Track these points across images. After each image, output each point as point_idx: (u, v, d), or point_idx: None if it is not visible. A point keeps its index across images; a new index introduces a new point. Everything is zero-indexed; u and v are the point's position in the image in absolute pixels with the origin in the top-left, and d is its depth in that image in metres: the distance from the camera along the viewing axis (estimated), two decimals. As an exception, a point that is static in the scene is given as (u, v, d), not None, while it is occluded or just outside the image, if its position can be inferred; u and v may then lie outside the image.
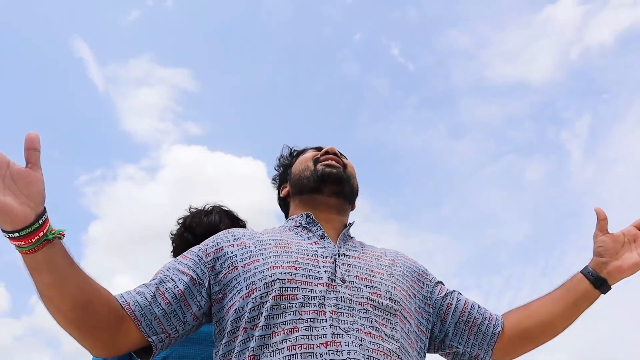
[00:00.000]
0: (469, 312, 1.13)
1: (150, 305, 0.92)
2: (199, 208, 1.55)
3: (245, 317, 0.91)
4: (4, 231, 0.77)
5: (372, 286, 1.00)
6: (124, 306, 0.90)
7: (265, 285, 0.93)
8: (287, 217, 1.26)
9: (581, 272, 1.10)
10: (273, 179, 1.34)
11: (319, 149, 1.25)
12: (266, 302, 0.91)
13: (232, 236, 1.06)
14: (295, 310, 0.90)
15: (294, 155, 1.31)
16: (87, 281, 0.86)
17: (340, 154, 1.23)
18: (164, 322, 0.93)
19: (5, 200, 0.74)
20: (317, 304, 0.91)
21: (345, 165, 1.19)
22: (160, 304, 0.93)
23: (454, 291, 1.16)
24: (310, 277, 0.96)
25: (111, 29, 12.37)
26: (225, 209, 1.55)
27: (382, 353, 0.90)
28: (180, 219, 1.54)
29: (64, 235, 0.81)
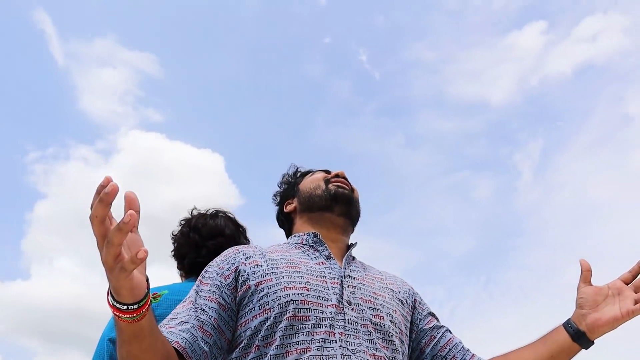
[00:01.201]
0: (450, 349, 1.12)
1: (197, 340, 0.93)
2: (202, 211, 1.58)
3: (259, 336, 0.94)
4: (122, 304, 0.73)
5: (375, 308, 1.03)
6: (175, 346, 0.91)
7: (279, 306, 0.95)
8: (288, 232, 1.29)
9: (562, 323, 1.05)
10: (274, 195, 1.36)
11: (327, 171, 1.28)
12: (280, 322, 0.94)
13: (243, 255, 1.07)
14: (308, 331, 0.94)
15: (299, 175, 1.34)
16: (160, 331, 0.87)
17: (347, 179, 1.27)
18: (210, 355, 0.95)
19: (136, 274, 0.72)
20: (327, 325, 0.95)
21: (353, 189, 1.23)
22: (204, 339, 0.94)
23: (442, 326, 1.16)
24: (321, 298, 0.99)
25: (78, 5, 11.91)
26: (230, 215, 1.60)
27: None
28: (183, 220, 1.58)
29: (160, 296, 0.80)
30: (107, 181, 0.65)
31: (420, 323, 1.15)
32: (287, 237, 1.28)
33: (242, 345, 0.96)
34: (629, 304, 0.98)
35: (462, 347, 1.14)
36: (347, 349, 0.94)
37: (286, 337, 0.93)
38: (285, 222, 1.30)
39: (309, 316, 0.95)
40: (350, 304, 1.01)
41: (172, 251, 1.58)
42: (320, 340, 0.93)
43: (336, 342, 0.94)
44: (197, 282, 1.05)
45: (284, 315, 0.94)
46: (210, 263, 1.09)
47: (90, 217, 0.67)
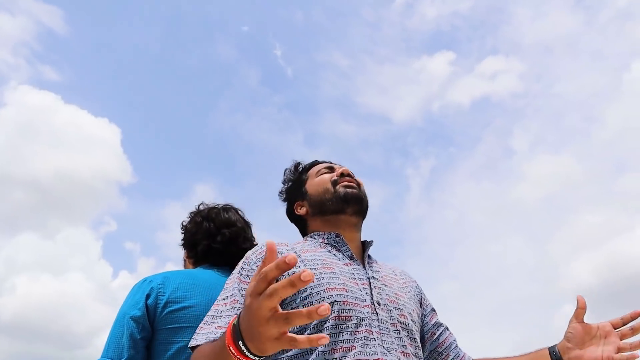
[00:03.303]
0: (446, 346, 1.22)
1: None
2: (210, 205, 1.64)
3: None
4: (255, 355, 0.69)
5: (399, 308, 1.10)
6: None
7: None
8: (302, 230, 1.31)
9: (549, 348, 1.14)
10: (280, 192, 1.38)
11: (330, 168, 1.30)
12: (325, 321, 0.98)
13: (280, 254, 1.07)
14: (351, 331, 0.99)
15: (302, 170, 1.35)
16: None
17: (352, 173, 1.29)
18: None
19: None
20: (366, 325, 1.01)
21: (359, 184, 1.26)
22: None
23: (442, 324, 1.26)
24: (357, 299, 1.04)
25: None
26: (239, 210, 1.65)
27: None
28: (193, 212, 1.62)
29: None
30: (294, 262, 0.60)
31: (425, 318, 1.24)
32: (303, 234, 1.31)
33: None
34: (611, 350, 1.05)
35: (456, 345, 1.24)
36: (384, 347, 1.00)
37: (332, 336, 0.97)
38: (298, 222, 1.32)
39: (350, 316, 1.00)
40: (379, 304, 1.06)
41: (181, 240, 1.63)
42: (362, 338, 0.99)
43: (375, 340, 1.00)
44: (236, 279, 1.06)
45: (329, 316, 0.97)
46: (247, 260, 1.10)
47: (260, 272, 0.63)
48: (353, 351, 0.97)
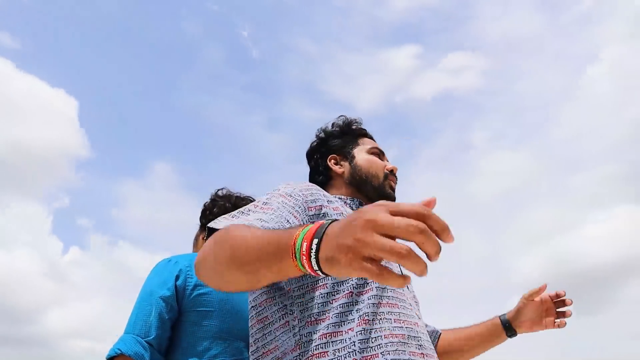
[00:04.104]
0: None
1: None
2: (235, 193, 1.67)
3: (352, 283, 0.94)
4: (322, 272, 0.59)
5: (411, 284, 1.13)
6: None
7: None
8: (316, 177, 1.27)
9: (499, 316, 1.35)
10: (323, 131, 1.32)
11: (382, 153, 1.29)
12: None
13: (324, 196, 1.05)
14: (393, 289, 0.98)
15: (354, 131, 1.31)
16: None
17: None
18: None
19: None
20: (401, 290, 1.01)
21: None
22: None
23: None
24: (389, 263, 0.99)
25: None
26: None
27: (429, 342, 1.02)
28: (218, 197, 1.65)
29: None
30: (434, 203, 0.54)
31: None
32: (312, 179, 1.28)
33: (327, 289, 0.93)
34: (550, 320, 1.31)
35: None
36: (416, 315, 1.02)
37: (380, 289, 0.96)
38: (323, 172, 1.27)
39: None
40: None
41: (201, 219, 1.66)
42: (402, 300, 0.99)
43: (411, 305, 1.02)
44: (282, 194, 0.98)
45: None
46: (285, 184, 1.03)
47: (410, 224, 0.51)
48: (396, 309, 0.96)
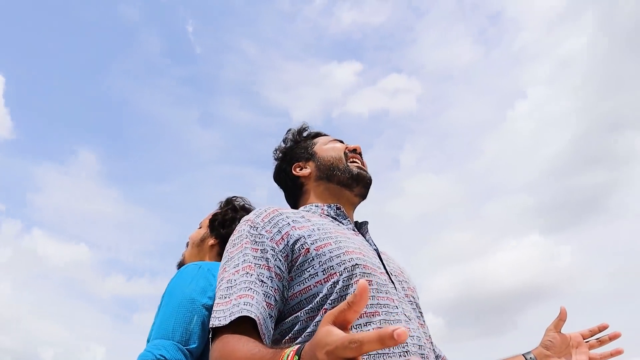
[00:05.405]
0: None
1: (267, 315, 0.89)
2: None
3: (329, 301, 0.90)
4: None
5: (406, 282, 1.07)
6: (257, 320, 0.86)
7: (346, 270, 0.92)
8: (293, 196, 1.24)
9: (523, 354, 1.17)
10: (276, 150, 1.31)
11: (341, 141, 1.26)
12: (349, 285, 0.90)
13: (287, 218, 1.01)
14: (373, 296, 0.92)
15: (307, 136, 1.30)
16: None
17: None
18: (271, 326, 0.91)
19: None
20: (386, 292, 0.95)
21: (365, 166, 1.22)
22: (270, 313, 0.90)
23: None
24: (374, 265, 0.98)
25: None
26: None
27: (429, 342, 1.00)
28: (235, 207, 1.65)
29: None
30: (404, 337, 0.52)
31: None
32: (288, 199, 1.26)
33: (303, 310, 0.91)
34: (583, 359, 1.15)
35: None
36: (405, 315, 0.95)
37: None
38: (293, 185, 1.24)
39: (371, 281, 0.93)
40: (391, 274, 1.02)
41: (212, 223, 1.64)
42: (384, 305, 0.93)
43: (397, 307, 0.95)
44: (246, 244, 0.97)
45: (352, 279, 0.91)
46: (250, 222, 1.00)
47: (353, 339, 0.54)
48: (377, 317, 0.90)
